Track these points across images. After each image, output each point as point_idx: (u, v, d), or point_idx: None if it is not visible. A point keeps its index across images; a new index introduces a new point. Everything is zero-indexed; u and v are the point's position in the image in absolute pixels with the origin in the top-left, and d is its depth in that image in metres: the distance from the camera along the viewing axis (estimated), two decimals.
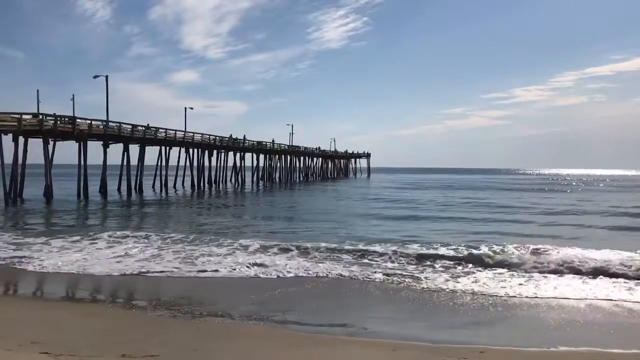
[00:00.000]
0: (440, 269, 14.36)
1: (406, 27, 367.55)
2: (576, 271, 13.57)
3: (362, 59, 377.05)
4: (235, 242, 18.62)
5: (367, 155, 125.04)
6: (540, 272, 13.62)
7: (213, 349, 7.60)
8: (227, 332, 8.70)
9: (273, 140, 77.50)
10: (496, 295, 11.40)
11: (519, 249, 16.73)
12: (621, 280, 12.77)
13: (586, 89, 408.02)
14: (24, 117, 35.53)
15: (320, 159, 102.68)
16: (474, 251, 16.21)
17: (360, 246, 17.65)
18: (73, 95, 49.63)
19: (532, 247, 16.79)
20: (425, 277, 13.17)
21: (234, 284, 12.85)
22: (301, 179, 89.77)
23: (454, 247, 17.30)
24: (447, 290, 11.82)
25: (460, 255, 15.87)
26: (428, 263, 15.05)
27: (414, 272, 13.88)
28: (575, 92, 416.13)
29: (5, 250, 16.87)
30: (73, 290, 12.43)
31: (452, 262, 15.10)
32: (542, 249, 16.38)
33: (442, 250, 16.69)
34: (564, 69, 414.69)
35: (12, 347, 7.01)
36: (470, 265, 14.74)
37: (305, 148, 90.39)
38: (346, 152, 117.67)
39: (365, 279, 13.11)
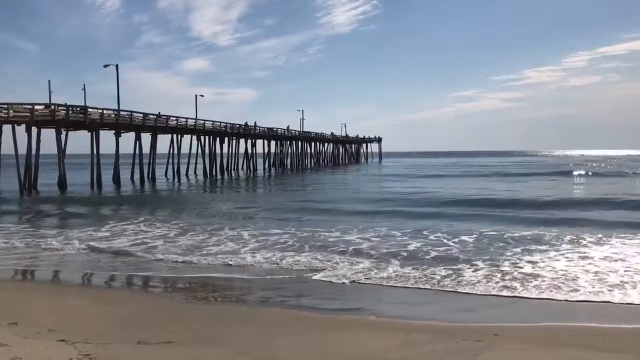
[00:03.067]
0: None
1: (415, 9, 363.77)
2: None
3: (372, 43, 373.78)
4: (246, 230, 18.76)
5: (379, 140, 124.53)
6: None
7: (228, 335, 7.65)
8: (241, 318, 8.75)
9: (288, 127, 77.38)
10: None
11: None
12: None
13: (599, 68, 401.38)
14: (36, 107, 35.65)
15: (332, 144, 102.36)
16: None
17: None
18: (84, 85, 49.89)
19: None
20: None
21: (248, 271, 12.88)
22: (312, 164, 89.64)
23: None
24: None
25: None
26: None
27: None
28: (588, 72, 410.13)
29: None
30: (89, 277, 12.57)
31: None
32: None
33: None
34: (577, 49, 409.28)
35: (30, 335, 7.10)
36: None
37: (316, 133, 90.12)
38: (357, 137, 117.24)
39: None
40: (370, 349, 7.06)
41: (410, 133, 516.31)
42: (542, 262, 12.90)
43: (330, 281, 11.41)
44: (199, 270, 12.79)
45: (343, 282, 11.31)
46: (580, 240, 15.62)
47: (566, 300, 9.76)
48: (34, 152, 37.03)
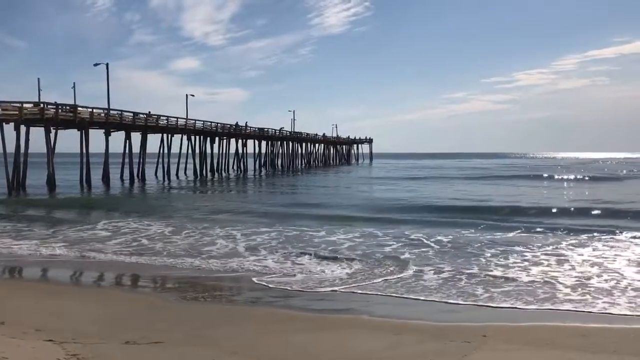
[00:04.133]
0: None
1: (407, 11, 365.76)
2: None
3: (363, 45, 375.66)
4: (237, 230, 18.75)
5: (370, 141, 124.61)
6: None
7: (218, 335, 7.63)
8: (231, 318, 8.74)
9: (281, 129, 77.34)
10: None
11: None
12: None
13: (589, 72, 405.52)
14: (25, 105, 35.39)
15: (323, 145, 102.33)
16: None
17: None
18: (74, 83, 49.42)
19: None
20: None
21: (237, 270, 12.85)
22: (303, 165, 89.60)
23: None
24: None
25: None
26: None
27: None
28: (577, 75, 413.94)
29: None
30: (77, 276, 12.51)
31: None
32: None
33: None
34: (566, 52, 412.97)
35: (17, 335, 7.04)
36: None
37: (307, 134, 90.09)
38: (348, 137, 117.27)
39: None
40: (360, 349, 7.07)
41: (401, 134, 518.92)
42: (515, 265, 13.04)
43: (314, 286, 11.43)
44: (188, 270, 12.76)
45: (330, 290, 11.33)
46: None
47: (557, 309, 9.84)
48: (22, 150, 36.74)
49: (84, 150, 41.18)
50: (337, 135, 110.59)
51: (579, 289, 10.62)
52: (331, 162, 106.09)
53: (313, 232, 18.52)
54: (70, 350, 6.42)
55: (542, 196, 33.99)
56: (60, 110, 37.88)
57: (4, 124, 34.55)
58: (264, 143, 74.88)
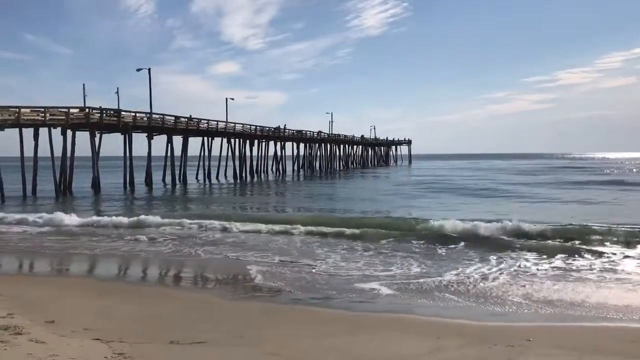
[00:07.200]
0: None
1: (446, 11, 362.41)
2: None
3: (402, 45, 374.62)
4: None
5: (408, 142, 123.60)
6: None
7: (259, 335, 7.69)
8: (272, 318, 8.79)
9: (319, 132, 77.63)
10: None
11: None
12: None
13: (634, 69, 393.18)
14: (72, 110, 36.46)
15: (360, 146, 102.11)
16: None
17: None
18: (117, 88, 50.72)
19: None
20: None
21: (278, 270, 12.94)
22: (341, 167, 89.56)
23: None
24: None
25: None
26: None
27: None
28: (622, 73, 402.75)
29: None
30: (124, 274, 12.83)
31: None
32: None
33: None
34: (611, 49, 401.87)
35: (66, 333, 7.26)
36: None
37: (345, 136, 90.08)
38: (386, 139, 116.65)
39: None
40: (401, 352, 7.01)
41: (440, 135, 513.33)
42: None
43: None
44: (230, 269, 12.91)
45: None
46: None
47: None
48: (69, 154, 37.83)
49: (127, 154, 42.12)
50: (376, 137, 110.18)
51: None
52: (369, 163, 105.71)
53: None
54: (117, 349, 6.58)
55: None
56: (104, 115, 38.93)
57: (51, 128, 35.70)
58: (302, 145, 75.21)
